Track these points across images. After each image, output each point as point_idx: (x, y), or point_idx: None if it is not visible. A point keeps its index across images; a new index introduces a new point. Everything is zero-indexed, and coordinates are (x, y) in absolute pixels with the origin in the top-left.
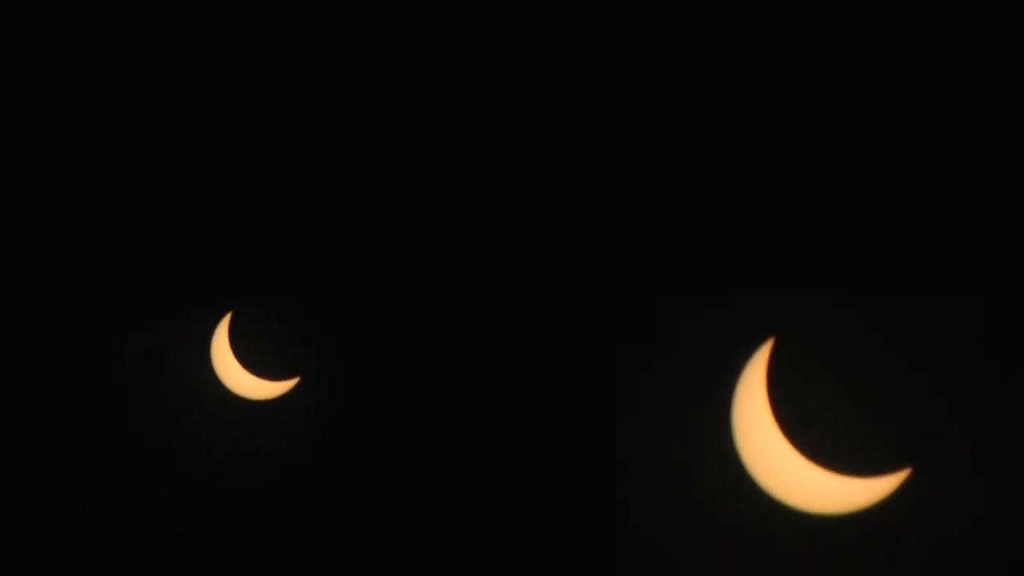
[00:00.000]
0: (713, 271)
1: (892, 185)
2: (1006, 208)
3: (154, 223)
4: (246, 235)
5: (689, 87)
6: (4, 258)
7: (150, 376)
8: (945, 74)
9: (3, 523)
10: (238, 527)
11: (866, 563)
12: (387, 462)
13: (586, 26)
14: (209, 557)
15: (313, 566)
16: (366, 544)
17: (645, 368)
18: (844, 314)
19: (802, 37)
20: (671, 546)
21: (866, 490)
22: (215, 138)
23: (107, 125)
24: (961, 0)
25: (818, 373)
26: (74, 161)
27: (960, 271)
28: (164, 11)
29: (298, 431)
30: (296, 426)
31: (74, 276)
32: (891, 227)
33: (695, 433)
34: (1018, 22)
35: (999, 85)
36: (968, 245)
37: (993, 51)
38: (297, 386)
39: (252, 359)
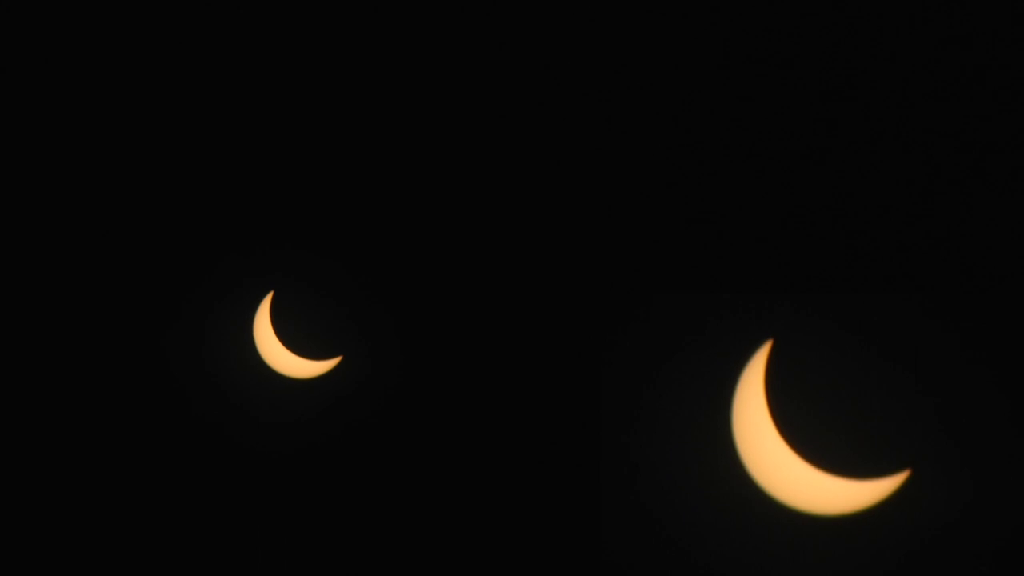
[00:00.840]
0: (713, 271)
1: (891, 188)
2: (1003, 210)
3: (197, 208)
4: (288, 221)
5: (690, 89)
6: (52, 245)
7: (198, 358)
8: (943, 75)
9: (49, 502)
10: (273, 512)
11: (865, 563)
12: (394, 451)
13: (587, 26)
14: (245, 534)
15: (331, 546)
16: (375, 530)
17: (645, 368)
18: (843, 316)
19: (802, 38)
20: (671, 546)
21: (864, 491)
22: (254, 125)
23: (142, 113)
24: (960, 1)
25: (816, 375)
26: (112, 148)
27: (958, 274)
28: (174, 10)
29: (338, 410)
30: (337, 405)
31: (121, 261)
32: (890, 230)
33: (695, 434)
34: (1018, 22)
35: (999, 85)
36: (966, 247)
37: (993, 51)
38: (338, 365)
39: (294, 339)
